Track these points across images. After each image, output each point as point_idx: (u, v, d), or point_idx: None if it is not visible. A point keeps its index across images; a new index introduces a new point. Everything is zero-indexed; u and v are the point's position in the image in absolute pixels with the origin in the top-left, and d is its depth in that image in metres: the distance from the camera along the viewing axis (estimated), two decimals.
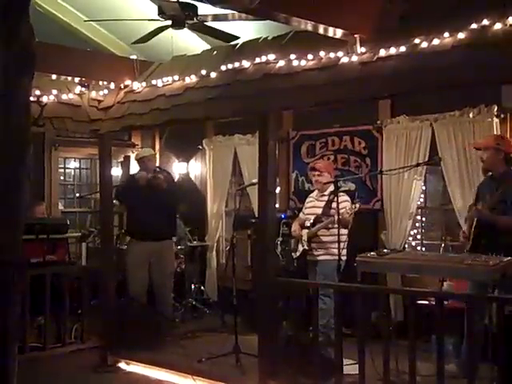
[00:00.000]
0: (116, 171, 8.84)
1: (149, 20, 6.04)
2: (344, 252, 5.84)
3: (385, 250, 5.36)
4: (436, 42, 3.98)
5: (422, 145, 6.44)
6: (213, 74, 5.32)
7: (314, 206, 6.26)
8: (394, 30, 4.31)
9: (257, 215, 5.76)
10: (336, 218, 5.63)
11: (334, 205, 5.90)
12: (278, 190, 6.95)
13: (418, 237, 6.90)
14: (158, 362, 5.73)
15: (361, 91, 4.41)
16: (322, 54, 4.58)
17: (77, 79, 6.02)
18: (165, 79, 5.75)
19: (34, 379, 4.97)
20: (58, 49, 5.63)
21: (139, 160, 7.03)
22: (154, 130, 9.20)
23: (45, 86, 5.69)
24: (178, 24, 5.88)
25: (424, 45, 4.03)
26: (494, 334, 4.17)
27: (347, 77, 4.40)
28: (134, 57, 6.36)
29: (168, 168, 8.90)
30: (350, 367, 4.79)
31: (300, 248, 6.18)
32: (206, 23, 5.98)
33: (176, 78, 5.66)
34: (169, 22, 5.90)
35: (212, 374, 5.30)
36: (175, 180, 7.40)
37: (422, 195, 6.82)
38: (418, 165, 5.85)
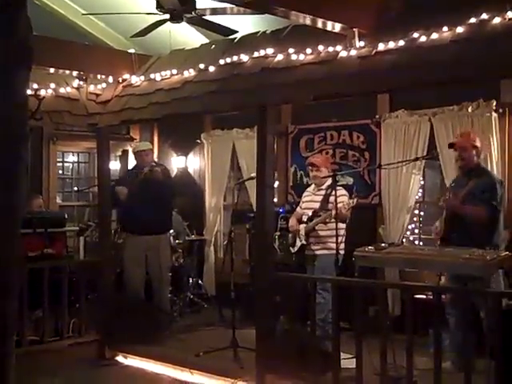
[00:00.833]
0: (114, 165, 8.83)
1: (147, 14, 6.03)
2: (342, 246, 5.85)
3: (383, 245, 5.36)
4: (435, 36, 3.98)
5: (420, 139, 6.44)
6: (211, 68, 5.31)
7: (311, 200, 6.24)
8: (393, 24, 4.31)
9: (255, 209, 5.77)
10: (334, 212, 5.63)
11: (331, 199, 5.91)
12: (276, 184, 6.95)
13: (416, 231, 6.91)
14: (156, 355, 5.74)
15: (359, 85, 4.41)
16: (320, 48, 4.58)
17: (75, 73, 6.01)
18: (163, 73, 5.74)
19: (31, 373, 4.96)
20: (55, 42, 5.62)
21: (135, 153, 7.01)
22: (152, 124, 9.18)
23: (42, 80, 5.67)
24: (176, 18, 5.87)
25: (423, 39, 4.02)
26: (491, 328, 4.18)
27: (346, 71, 4.39)
28: (132, 50, 6.35)
29: (166, 162, 8.91)
30: (348, 361, 4.80)
31: (298, 243, 6.17)
32: (204, 17, 5.98)
33: (174, 71, 5.65)
34: (167, 16, 5.89)
35: (210, 368, 5.31)
36: (171, 174, 7.36)
37: (421, 190, 6.82)
38: (416, 159, 5.86)
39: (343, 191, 6.02)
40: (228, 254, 6.29)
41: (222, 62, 5.25)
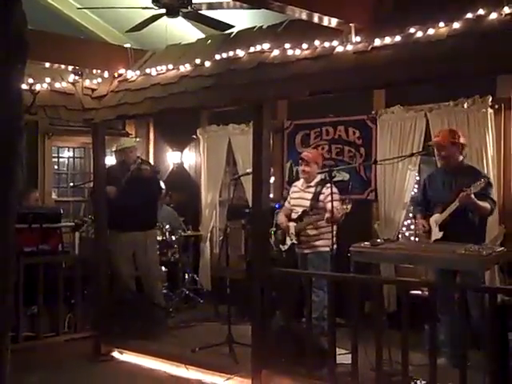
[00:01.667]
0: (110, 160, 8.80)
1: (143, 8, 6.01)
2: (334, 241, 5.79)
3: (378, 240, 5.37)
4: (431, 31, 3.97)
5: (416, 135, 6.44)
6: (207, 63, 5.30)
7: (300, 197, 6.15)
8: (389, 19, 4.30)
9: (251, 205, 5.76)
10: (326, 215, 5.61)
11: (321, 197, 5.89)
12: (272, 179, 6.94)
13: (412, 227, 6.91)
14: (152, 351, 5.74)
15: (355, 81, 4.41)
16: (316, 43, 4.57)
17: (70, 67, 5.99)
18: (159, 68, 5.72)
19: (27, 368, 4.96)
20: (51, 37, 5.59)
21: (121, 151, 6.88)
22: (148, 119, 9.17)
23: (38, 74, 5.65)
24: (172, 12, 5.85)
25: (419, 34, 4.02)
26: (486, 324, 4.19)
27: (342, 66, 4.39)
28: (128, 45, 6.33)
29: (162, 157, 8.91)
30: (343, 357, 4.81)
31: (288, 241, 6.10)
32: (200, 12, 5.96)
33: (170, 66, 5.63)
34: (163, 11, 5.87)
35: (205, 364, 5.31)
36: (157, 169, 7.34)
37: (416, 185, 6.82)
38: (412, 155, 5.87)
39: (334, 189, 5.71)
40: (224, 249, 6.29)
41: (218, 57, 5.24)
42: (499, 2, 3.74)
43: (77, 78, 6.06)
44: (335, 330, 4.68)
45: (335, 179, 5.73)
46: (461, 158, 5.29)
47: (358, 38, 4.33)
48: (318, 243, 5.95)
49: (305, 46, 4.64)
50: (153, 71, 5.75)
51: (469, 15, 3.85)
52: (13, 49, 1.94)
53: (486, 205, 5.03)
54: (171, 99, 5.47)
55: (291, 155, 7.56)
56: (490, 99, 5.91)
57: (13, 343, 2.03)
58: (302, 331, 5.05)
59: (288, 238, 6.10)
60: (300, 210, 6.05)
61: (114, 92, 6.02)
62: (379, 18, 4.31)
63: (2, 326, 1.96)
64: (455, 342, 4.93)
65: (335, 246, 5.78)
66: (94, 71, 6.12)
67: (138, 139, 9.09)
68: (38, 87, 5.64)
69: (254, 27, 5.38)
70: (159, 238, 7.37)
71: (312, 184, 6.06)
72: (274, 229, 6.85)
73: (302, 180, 6.23)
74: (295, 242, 6.03)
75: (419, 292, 5.74)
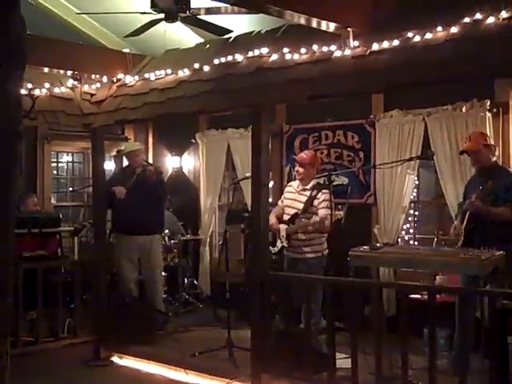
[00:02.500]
0: (109, 165, 8.81)
1: (141, 13, 6.02)
2: (325, 246, 5.77)
3: (378, 244, 5.37)
4: (429, 35, 3.98)
5: (414, 139, 6.44)
6: (206, 68, 5.31)
7: (294, 199, 5.92)
8: (387, 23, 4.31)
9: (250, 209, 5.75)
10: (312, 220, 5.57)
11: (315, 202, 5.73)
12: (271, 184, 6.94)
13: (411, 231, 6.92)
14: (151, 355, 5.73)
15: (354, 85, 4.42)
16: (315, 47, 4.58)
17: (69, 72, 6.00)
18: (158, 73, 5.73)
19: (26, 374, 4.95)
20: (49, 42, 5.62)
21: (125, 155, 6.95)
22: (147, 124, 9.17)
23: (37, 80, 5.66)
24: (170, 17, 5.86)
25: (417, 39, 4.03)
26: (486, 328, 4.19)
27: (340, 71, 4.40)
28: (126, 50, 6.35)
29: (161, 162, 8.90)
30: (343, 361, 4.81)
31: (279, 244, 5.87)
32: (199, 16, 5.97)
33: (169, 71, 5.64)
34: (162, 16, 5.88)
35: (205, 368, 5.31)
36: (163, 174, 7.32)
37: (415, 189, 6.83)
38: (410, 159, 5.85)
39: (327, 195, 5.58)
40: (223, 253, 6.28)
41: (216, 61, 5.25)
42: (497, 6, 3.75)
43: (76, 83, 6.08)
44: (334, 333, 4.68)
45: (334, 183, 5.68)
46: (494, 159, 5.25)
47: (356, 43, 4.35)
48: (308, 249, 5.74)
49: (303, 50, 4.65)
50: (151, 76, 5.76)
51: (466, 19, 3.86)
52: (12, 54, 1.95)
53: (504, 210, 4.91)
54: (170, 104, 5.47)
55: (290, 159, 7.56)
56: (489, 103, 5.92)
57: (12, 348, 2.03)
58: (301, 335, 5.04)
59: (278, 241, 5.88)
60: (292, 211, 5.84)
61: (113, 97, 6.03)
62: (377, 22, 4.32)
63: (2, 330, 1.96)
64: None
65: (326, 252, 5.77)
66: (93, 76, 6.14)
67: (137, 143, 9.10)
68: (37, 92, 5.65)
69: (253, 32, 5.40)
70: None
71: (308, 187, 5.86)
72: None
73: (297, 182, 6.01)
74: (286, 245, 5.82)
75: (419, 296, 5.74)
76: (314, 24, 4.22)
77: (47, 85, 5.79)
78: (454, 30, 3.89)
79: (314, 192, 5.78)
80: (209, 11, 5.90)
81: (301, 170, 5.88)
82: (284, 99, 5.33)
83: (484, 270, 4.57)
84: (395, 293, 6.19)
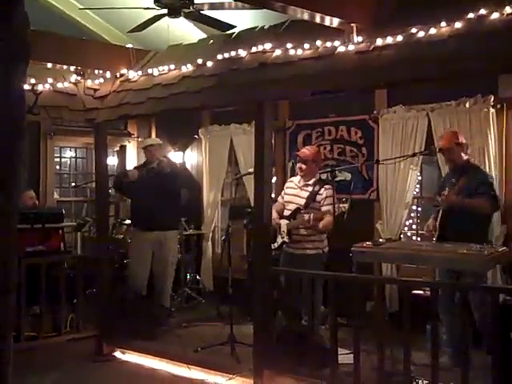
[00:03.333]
0: (112, 160, 8.82)
1: (145, 8, 6.01)
2: (326, 243, 5.76)
3: (380, 240, 5.37)
4: (433, 31, 3.97)
5: (418, 135, 6.43)
6: (209, 63, 5.30)
7: (296, 194, 5.87)
8: (391, 19, 4.30)
9: (253, 205, 5.74)
10: (309, 215, 5.57)
11: (318, 198, 5.70)
12: (274, 179, 6.94)
13: (414, 227, 6.91)
14: (154, 351, 5.74)
15: (357, 81, 4.41)
16: (318, 43, 4.57)
17: (72, 68, 5.99)
18: (161, 68, 5.73)
19: (29, 369, 4.97)
20: (53, 37, 5.60)
21: (144, 149, 6.99)
22: (150, 120, 9.17)
23: (40, 75, 5.66)
24: (174, 13, 5.86)
25: (421, 34, 4.02)
26: (489, 323, 4.19)
27: (344, 66, 4.39)
28: (129, 45, 6.33)
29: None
30: (345, 356, 4.81)
31: (279, 240, 5.83)
32: (202, 12, 5.96)
33: (172, 66, 5.64)
34: (165, 11, 5.88)
35: (207, 363, 5.32)
36: (183, 170, 7.29)
37: (418, 185, 6.82)
38: (413, 155, 5.85)
39: (330, 191, 5.58)
40: (225, 249, 6.28)
41: (219, 57, 5.24)
42: (501, 1, 3.74)
43: (79, 78, 6.07)
44: (337, 329, 4.68)
45: (337, 179, 5.63)
46: (466, 157, 5.31)
47: (360, 38, 4.33)
48: (309, 245, 5.73)
49: (307, 45, 4.64)
50: (155, 71, 5.76)
51: (470, 15, 3.85)
52: (15, 49, 1.95)
53: (480, 201, 5.01)
54: (173, 99, 5.47)
55: (293, 155, 7.55)
56: (492, 99, 5.91)
57: (15, 343, 2.03)
58: (303, 331, 5.04)
59: (279, 236, 5.83)
60: (293, 207, 5.80)
61: (116, 92, 6.02)
62: (381, 18, 4.31)
63: (5, 326, 1.96)
64: (455, 342, 4.93)
65: (326, 249, 5.76)
66: (96, 71, 6.12)
67: (140, 139, 9.11)
68: (40, 87, 5.65)
69: (256, 27, 5.38)
70: None
71: (310, 183, 5.81)
72: None
73: (299, 177, 5.95)
74: (286, 240, 5.78)
75: (421, 292, 5.74)
76: (318, 19, 4.21)
77: (50, 80, 5.79)
78: (457, 25, 3.88)
79: (317, 187, 5.76)
80: (212, 7, 5.89)
81: (303, 166, 5.81)
82: (287, 95, 5.32)
83: (487, 265, 4.57)
84: (398, 289, 6.18)
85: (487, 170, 5.71)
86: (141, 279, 6.62)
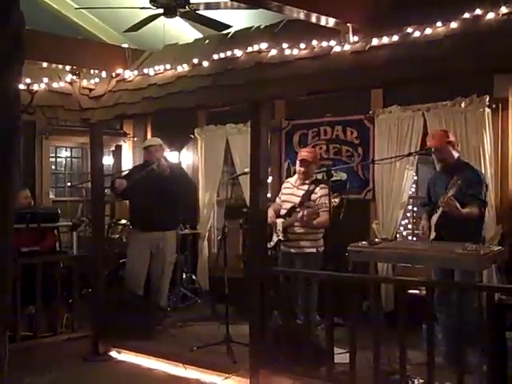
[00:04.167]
0: (107, 160, 8.81)
1: (140, 8, 6.02)
2: (321, 243, 5.81)
3: (376, 240, 5.37)
4: (428, 31, 3.98)
5: (413, 135, 6.45)
6: (205, 63, 5.30)
7: (292, 193, 5.96)
8: (387, 19, 4.30)
9: (248, 205, 5.75)
10: (301, 213, 5.60)
11: (313, 196, 5.77)
12: (269, 179, 6.94)
13: (409, 227, 6.92)
14: (149, 350, 5.74)
15: (353, 80, 4.41)
16: (314, 43, 4.57)
17: (68, 67, 5.99)
18: (156, 68, 5.72)
19: (25, 368, 4.96)
20: (48, 37, 5.59)
21: (144, 149, 6.97)
22: (145, 119, 9.16)
23: (35, 74, 5.65)
24: (169, 12, 5.86)
25: (416, 34, 4.02)
26: (484, 322, 4.20)
27: (340, 66, 4.39)
28: (125, 45, 6.33)
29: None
30: (341, 356, 4.81)
31: (274, 238, 5.90)
32: (198, 12, 5.97)
33: (168, 66, 5.63)
34: (161, 11, 5.88)
35: (203, 363, 5.32)
36: (180, 169, 7.26)
37: (414, 185, 6.83)
38: (409, 154, 5.87)
39: (325, 191, 5.62)
40: (222, 249, 6.28)
41: (215, 56, 5.24)
42: (496, 1, 3.75)
43: (74, 77, 6.06)
44: (333, 329, 4.69)
45: (333, 179, 5.66)
46: (456, 155, 5.31)
47: (356, 38, 4.34)
48: (306, 243, 5.79)
49: (302, 45, 4.64)
50: (150, 71, 5.75)
51: (466, 15, 3.85)
52: (10, 49, 1.94)
53: (470, 210, 4.96)
54: (169, 99, 5.46)
55: (289, 155, 7.57)
56: (488, 99, 5.92)
57: (10, 343, 2.02)
58: (299, 330, 5.05)
59: (274, 235, 5.90)
60: (289, 206, 5.89)
61: (112, 92, 6.02)
62: (377, 17, 4.31)
63: (1, 326, 1.96)
64: (451, 341, 4.94)
65: (322, 248, 5.79)
66: (92, 71, 6.12)
67: (136, 139, 9.11)
68: (35, 87, 5.64)
69: (252, 27, 5.38)
70: None
71: (306, 182, 5.92)
72: None
73: (295, 177, 6.04)
74: (282, 238, 5.85)
75: (417, 291, 5.74)
76: (314, 19, 4.21)
77: (46, 80, 5.78)
78: (453, 25, 3.88)
79: (312, 187, 5.83)
80: (208, 6, 5.90)
81: (304, 169, 5.89)
82: (283, 94, 5.32)
83: (482, 265, 4.58)
84: (393, 288, 6.19)
85: (482, 170, 5.71)
86: (138, 279, 6.60)
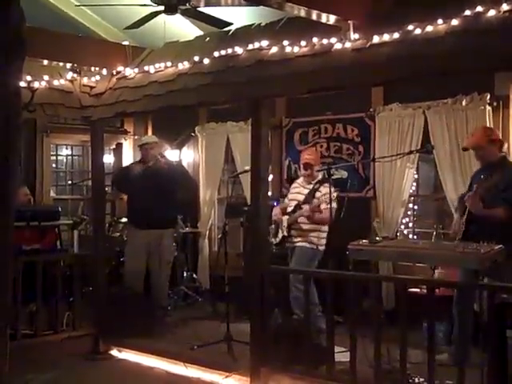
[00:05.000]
0: (108, 158, 8.80)
1: (141, 5, 6.00)
2: (323, 242, 5.91)
3: (377, 238, 5.37)
4: (429, 28, 3.96)
5: (414, 132, 6.44)
6: (206, 61, 5.29)
7: (298, 192, 6.22)
8: (388, 16, 4.29)
9: (249, 203, 5.75)
10: (304, 209, 5.72)
11: (317, 194, 5.96)
12: (270, 177, 6.93)
13: (410, 225, 6.92)
14: (150, 349, 5.73)
15: (354, 78, 4.40)
16: (315, 40, 4.56)
17: (68, 65, 5.98)
18: (157, 65, 5.71)
19: (25, 366, 4.96)
20: (49, 34, 5.59)
21: (139, 147, 6.96)
22: (146, 117, 9.16)
23: (36, 72, 5.64)
24: (170, 10, 5.85)
25: (417, 31, 4.01)
26: (485, 322, 4.19)
27: (340, 63, 4.38)
28: (126, 43, 6.32)
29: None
30: (342, 354, 4.81)
31: (280, 234, 6.14)
32: (198, 9, 5.95)
33: (169, 64, 5.62)
34: (161, 8, 5.87)
35: (204, 362, 5.31)
36: (180, 168, 7.26)
37: (415, 183, 6.83)
38: (410, 152, 5.85)
39: (328, 189, 5.62)
40: (222, 247, 6.28)
41: (216, 54, 5.23)
42: None
43: (75, 75, 6.05)
44: (333, 327, 4.68)
45: (333, 177, 5.69)
46: (500, 154, 5.13)
47: (357, 35, 4.33)
48: (305, 239, 5.98)
49: (303, 43, 4.63)
50: (151, 69, 5.74)
51: (467, 12, 3.84)
52: (11, 46, 1.94)
53: (497, 212, 4.83)
54: (169, 97, 5.46)
55: (290, 153, 7.56)
56: (489, 96, 5.91)
57: (11, 341, 2.02)
58: (300, 329, 5.04)
59: (280, 231, 6.14)
60: (295, 203, 6.12)
61: (113, 89, 6.01)
62: (378, 15, 4.30)
63: (1, 324, 1.96)
64: (465, 342, 4.89)
65: (322, 248, 5.85)
66: (93, 69, 6.11)
67: (137, 137, 9.10)
68: (36, 85, 5.63)
69: (253, 24, 5.37)
70: None
71: (313, 182, 6.15)
72: (272, 226, 6.85)
73: (302, 177, 6.31)
74: (286, 234, 6.07)
75: (417, 289, 5.74)
76: (314, 16, 4.20)
77: (46, 77, 5.77)
78: (454, 22, 3.87)
79: (317, 185, 6.02)
80: (208, 3, 5.89)
81: (308, 172, 6.13)
82: (284, 92, 5.31)
83: (483, 263, 4.56)
84: (394, 286, 6.19)
85: None
86: (136, 276, 6.60)
